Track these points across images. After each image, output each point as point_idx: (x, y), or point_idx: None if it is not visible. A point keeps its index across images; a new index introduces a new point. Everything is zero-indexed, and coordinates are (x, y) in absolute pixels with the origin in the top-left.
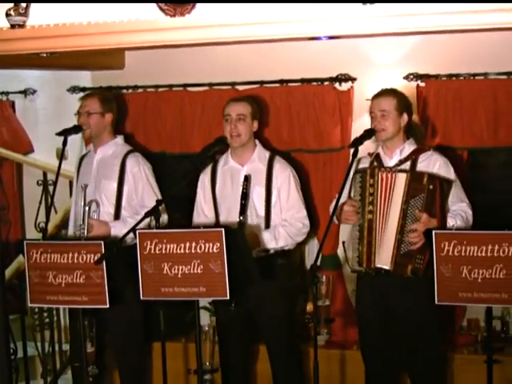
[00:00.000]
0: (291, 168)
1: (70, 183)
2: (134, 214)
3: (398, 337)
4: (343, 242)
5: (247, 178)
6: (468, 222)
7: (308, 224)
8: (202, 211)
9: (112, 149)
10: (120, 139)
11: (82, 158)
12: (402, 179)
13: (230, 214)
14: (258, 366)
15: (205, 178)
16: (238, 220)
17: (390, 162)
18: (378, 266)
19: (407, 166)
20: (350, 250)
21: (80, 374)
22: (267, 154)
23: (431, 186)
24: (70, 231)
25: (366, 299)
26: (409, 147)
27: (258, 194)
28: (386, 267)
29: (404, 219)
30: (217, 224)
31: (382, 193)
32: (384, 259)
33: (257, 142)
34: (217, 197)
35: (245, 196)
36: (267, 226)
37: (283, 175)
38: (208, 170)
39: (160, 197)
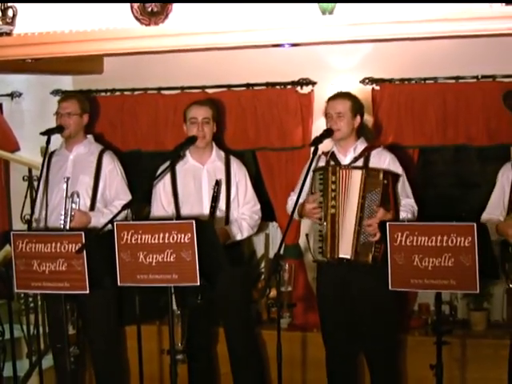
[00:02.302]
0: (244, 166)
1: None
2: (107, 206)
3: (357, 320)
4: (306, 235)
5: (218, 183)
6: (415, 216)
7: (261, 216)
8: (162, 205)
9: (86, 147)
10: (91, 138)
11: (50, 156)
12: (358, 175)
13: (193, 209)
14: (219, 347)
15: (164, 176)
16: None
17: (345, 159)
18: (341, 256)
19: (361, 162)
20: (312, 242)
21: (61, 354)
22: (222, 154)
23: (385, 181)
24: (48, 222)
25: (327, 286)
26: (361, 145)
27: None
28: (348, 256)
29: (362, 212)
30: (178, 217)
31: (342, 189)
32: (345, 249)
33: (213, 143)
34: (179, 194)
35: (215, 199)
36: (226, 219)
37: (241, 173)
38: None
39: (130, 193)
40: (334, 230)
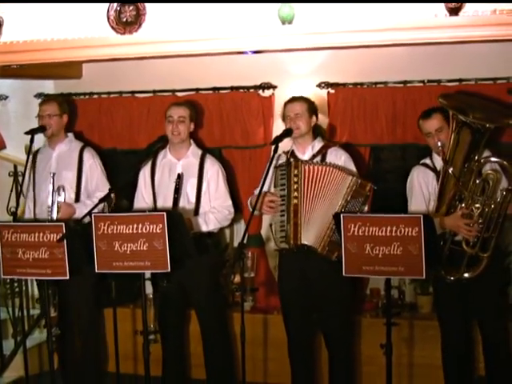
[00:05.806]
0: (219, 164)
1: None
2: (90, 198)
3: (315, 302)
4: (270, 224)
5: (180, 176)
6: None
7: (233, 211)
8: (143, 197)
9: (67, 145)
10: (72, 136)
11: (35, 154)
12: (347, 181)
13: (166, 200)
14: (191, 327)
15: (145, 170)
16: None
17: (304, 156)
18: (304, 242)
19: (318, 159)
20: (274, 232)
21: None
22: (199, 152)
23: (369, 193)
24: (28, 214)
25: (288, 272)
26: (318, 144)
27: (191, 184)
28: (310, 244)
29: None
30: (155, 209)
31: (308, 182)
32: (311, 238)
33: (191, 141)
34: (155, 186)
35: (177, 191)
36: (196, 210)
37: (213, 169)
38: (149, 163)
39: (109, 185)
40: (296, 218)
